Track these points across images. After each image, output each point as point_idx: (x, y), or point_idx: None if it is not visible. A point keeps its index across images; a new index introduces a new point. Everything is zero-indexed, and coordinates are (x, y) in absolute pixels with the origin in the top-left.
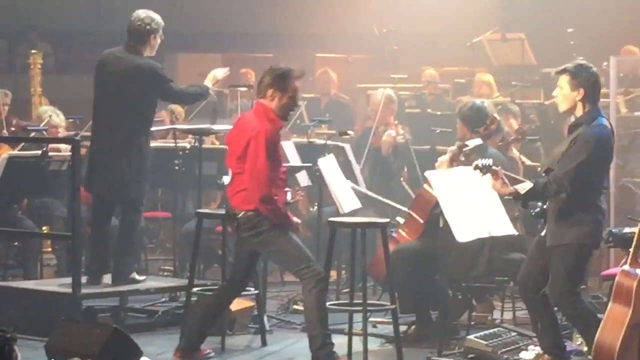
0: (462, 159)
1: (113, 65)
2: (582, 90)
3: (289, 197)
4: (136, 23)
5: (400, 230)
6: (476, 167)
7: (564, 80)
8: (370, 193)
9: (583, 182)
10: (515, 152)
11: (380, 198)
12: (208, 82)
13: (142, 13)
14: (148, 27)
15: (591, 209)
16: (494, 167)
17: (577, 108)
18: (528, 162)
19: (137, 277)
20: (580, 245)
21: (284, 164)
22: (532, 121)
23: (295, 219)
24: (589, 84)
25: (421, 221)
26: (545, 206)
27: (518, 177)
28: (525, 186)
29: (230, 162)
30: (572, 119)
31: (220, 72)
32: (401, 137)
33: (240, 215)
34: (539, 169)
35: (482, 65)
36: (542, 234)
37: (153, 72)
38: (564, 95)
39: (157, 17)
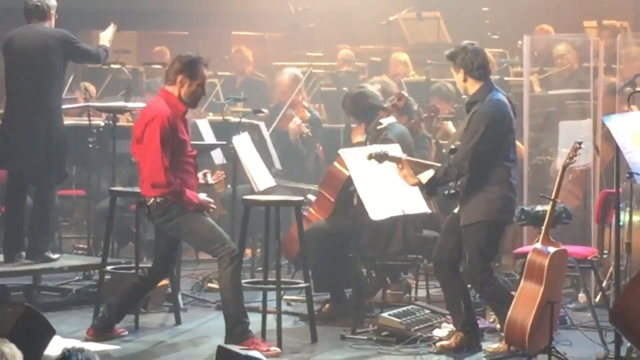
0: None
1: (23, 40)
2: (462, 71)
3: (209, 178)
4: (35, 2)
5: (310, 209)
6: (370, 157)
7: (452, 67)
8: (275, 182)
9: (483, 159)
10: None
11: (288, 184)
12: (105, 42)
13: None
14: (48, 2)
15: (500, 185)
16: (393, 155)
17: (469, 88)
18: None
19: (51, 255)
20: (491, 221)
21: (198, 142)
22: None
23: (204, 197)
24: (465, 62)
25: (332, 200)
26: (457, 187)
27: (427, 162)
28: (427, 175)
29: (133, 148)
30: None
31: (107, 34)
32: (306, 126)
33: (150, 202)
34: (444, 150)
35: (397, 44)
36: (455, 211)
37: (65, 36)
38: (457, 81)
39: None
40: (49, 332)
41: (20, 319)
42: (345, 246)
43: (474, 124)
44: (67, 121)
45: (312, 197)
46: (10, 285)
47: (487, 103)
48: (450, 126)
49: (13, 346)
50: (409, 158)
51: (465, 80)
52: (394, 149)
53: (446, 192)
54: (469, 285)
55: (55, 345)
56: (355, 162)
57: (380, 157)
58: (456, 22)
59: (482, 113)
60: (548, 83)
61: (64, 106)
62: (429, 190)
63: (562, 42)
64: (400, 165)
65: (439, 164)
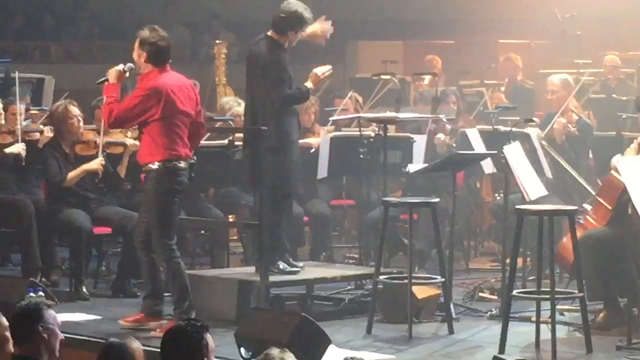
0: None
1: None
2: None
3: None
4: (280, 14)
5: (587, 217)
6: None
7: None
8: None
9: None
10: None
11: (575, 175)
12: (309, 83)
13: (289, 4)
14: (286, 21)
15: None
16: None
17: None
18: None
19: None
20: None
21: (468, 152)
22: None
23: None
24: None
25: (609, 207)
26: None
27: None
28: None
29: None
30: None
31: (320, 70)
32: (574, 125)
33: None
34: None
35: None
36: None
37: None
38: None
39: (302, 13)
40: (325, 341)
41: (297, 328)
42: (619, 254)
43: None
44: (338, 132)
45: (587, 206)
46: (285, 294)
47: None
48: None
49: (292, 355)
50: None
51: None
52: None
53: None
54: None
55: (331, 355)
56: (630, 170)
57: None
58: None
59: None
60: None
61: (335, 117)
62: None
63: None
64: None
65: None
